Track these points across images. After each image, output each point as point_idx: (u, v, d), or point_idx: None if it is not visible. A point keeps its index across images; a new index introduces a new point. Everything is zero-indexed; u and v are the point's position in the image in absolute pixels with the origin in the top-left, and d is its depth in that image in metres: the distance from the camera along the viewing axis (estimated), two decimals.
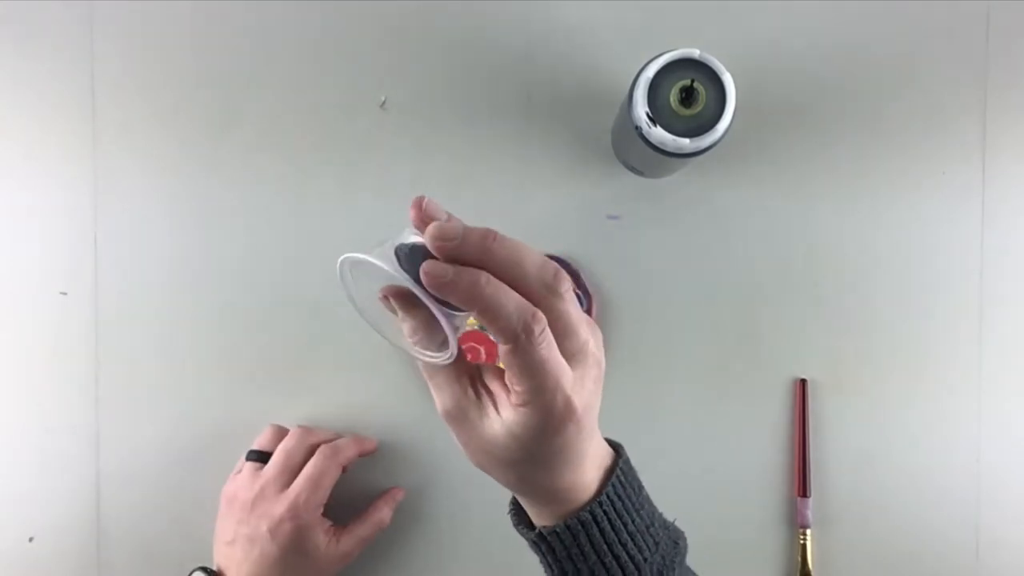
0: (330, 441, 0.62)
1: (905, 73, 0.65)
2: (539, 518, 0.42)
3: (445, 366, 0.38)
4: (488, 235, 0.34)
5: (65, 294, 0.66)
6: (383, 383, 0.66)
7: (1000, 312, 0.65)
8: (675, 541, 0.45)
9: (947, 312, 0.65)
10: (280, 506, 0.57)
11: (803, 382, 0.65)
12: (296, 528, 0.57)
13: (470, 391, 0.39)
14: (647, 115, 0.52)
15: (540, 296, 0.35)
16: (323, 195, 0.65)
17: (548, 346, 0.35)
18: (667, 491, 0.68)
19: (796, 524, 0.65)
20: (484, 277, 0.33)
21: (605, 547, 0.40)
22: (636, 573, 0.41)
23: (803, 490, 0.64)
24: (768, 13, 0.65)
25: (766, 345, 0.65)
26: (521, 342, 0.34)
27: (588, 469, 0.40)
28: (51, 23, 0.65)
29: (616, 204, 0.65)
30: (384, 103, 0.66)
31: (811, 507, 0.65)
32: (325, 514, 0.60)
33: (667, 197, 0.65)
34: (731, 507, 0.65)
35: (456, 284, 0.33)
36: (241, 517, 0.58)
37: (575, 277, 0.64)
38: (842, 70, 0.65)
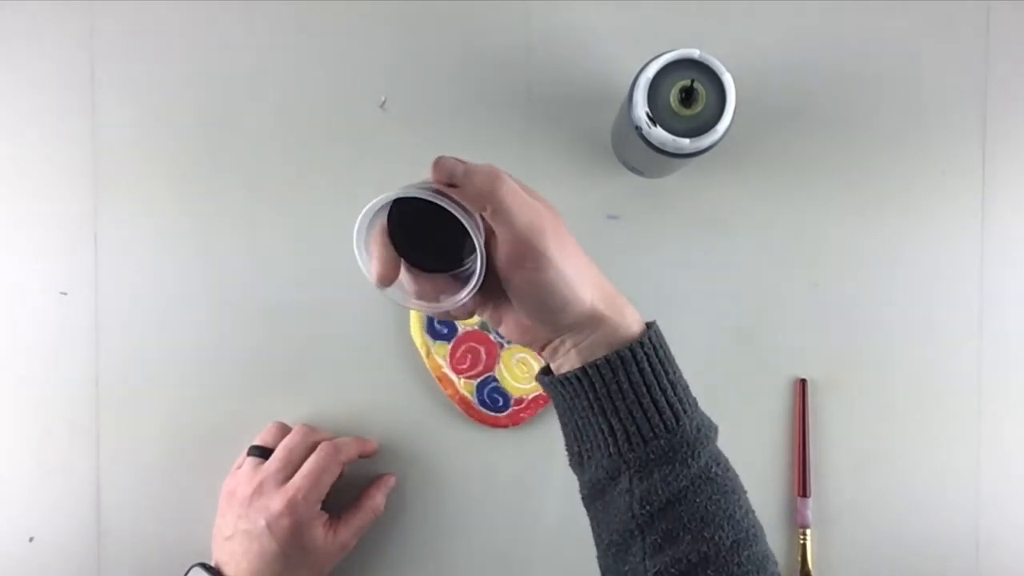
0: (332, 439, 0.62)
1: (905, 73, 0.65)
2: (577, 360, 0.43)
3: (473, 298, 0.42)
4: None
5: (65, 294, 0.66)
6: (383, 384, 0.66)
7: (1000, 312, 0.65)
8: (709, 421, 0.46)
9: (947, 312, 0.65)
10: (278, 501, 0.57)
11: (803, 382, 0.65)
12: (294, 524, 0.57)
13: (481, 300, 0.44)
14: (647, 115, 0.52)
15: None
16: (323, 194, 0.65)
17: (514, 189, 0.43)
18: None
19: (796, 524, 0.65)
20: (459, 163, 0.42)
21: (644, 388, 0.42)
22: (674, 422, 0.42)
23: (803, 490, 0.64)
24: (768, 13, 0.65)
25: (766, 345, 0.65)
26: (496, 190, 0.42)
27: (621, 301, 0.44)
28: (51, 23, 0.65)
29: (616, 204, 0.65)
30: (384, 103, 0.66)
31: (811, 507, 0.65)
32: (322, 509, 0.60)
33: (667, 197, 0.65)
34: None
35: (443, 164, 0.42)
36: (240, 512, 0.58)
37: None
38: (842, 70, 0.65)
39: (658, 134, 0.52)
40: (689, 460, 0.43)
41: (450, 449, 0.66)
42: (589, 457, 0.44)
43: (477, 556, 0.66)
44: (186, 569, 0.59)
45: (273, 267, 0.66)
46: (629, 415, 0.42)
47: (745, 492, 0.46)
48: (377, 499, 0.63)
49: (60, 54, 0.65)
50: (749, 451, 0.65)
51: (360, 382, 0.66)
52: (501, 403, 0.64)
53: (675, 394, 0.43)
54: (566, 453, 0.46)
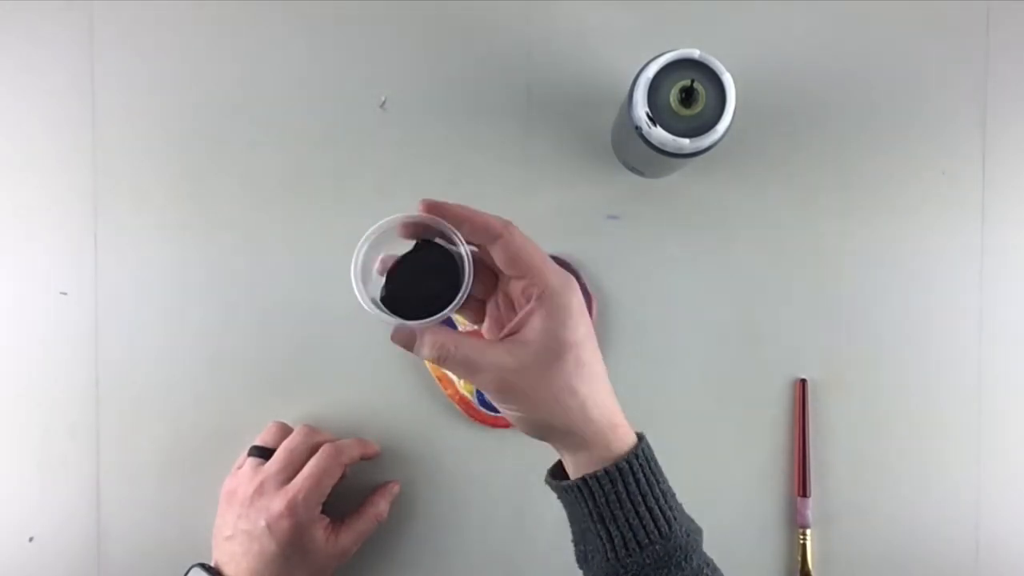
0: (334, 441, 0.62)
1: (905, 73, 0.65)
2: (577, 469, 0.46)
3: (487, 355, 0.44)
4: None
5: (65, 294, 0.66)
6: (383, 384, 0.66)
7: (1000, 312, 0.65)
8: (695, 525, 0.49)
9: (947, 312, 0.65)
10: (279, 502, 0.57)
11: (803, 382, 0.65)
12: (294, 525, 0.57)
13: (503, 343, 0.45)
14: (647, 115, 0.52)
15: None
16: (323, 194, 0.66)
17: (523, 235, 0.45)
18: None
19: (796, 524, 0.65)
20: (459, 208, 0.45)
21: (640, 497, 0.45)
22: (667, 528, 0.45)
23: (803, 490, 0.64)
24: (768, 13, 0.65)
25: (766, 345, 0.65)
26: (504, 233, 0.44)
27: (618, 418, 0.46)
28: (51, 23, 0.65)
29: (616, 204, 0.65)
30: (384, 103, 0.66)
31: (811, 507, 0.65)
32: (324, 512, 0.60)
33: (667, 197, 0.65)
34: (731, 507, 0.65)
35: (446, 205, 0.44)
36: (240, 512, 0.58)
37: (575, 277, 0.64)
38: (842, 70, 0.65)
39: (658, 134, 0.52)
40: (683, 563, 0.45)
41: (450, 449, 0.66)
42: (592, 558, 0.47)
43: (477, 556, 0.66)
44: (186, 569, 0.59)
45: (273, 267, 0.66)
46: (626, 523, 0.45)
47: None
48: (380, 506, 0.63)
49: (60, 54, 0.65)
50: (749, 451, 0.65)
51: (360, 382, 0.66)
52: None
53: (666, 502, 0.46)
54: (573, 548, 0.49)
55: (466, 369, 0.44)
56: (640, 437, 0.48)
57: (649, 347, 0.66)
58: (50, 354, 0.66)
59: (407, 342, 0.45)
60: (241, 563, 0.57)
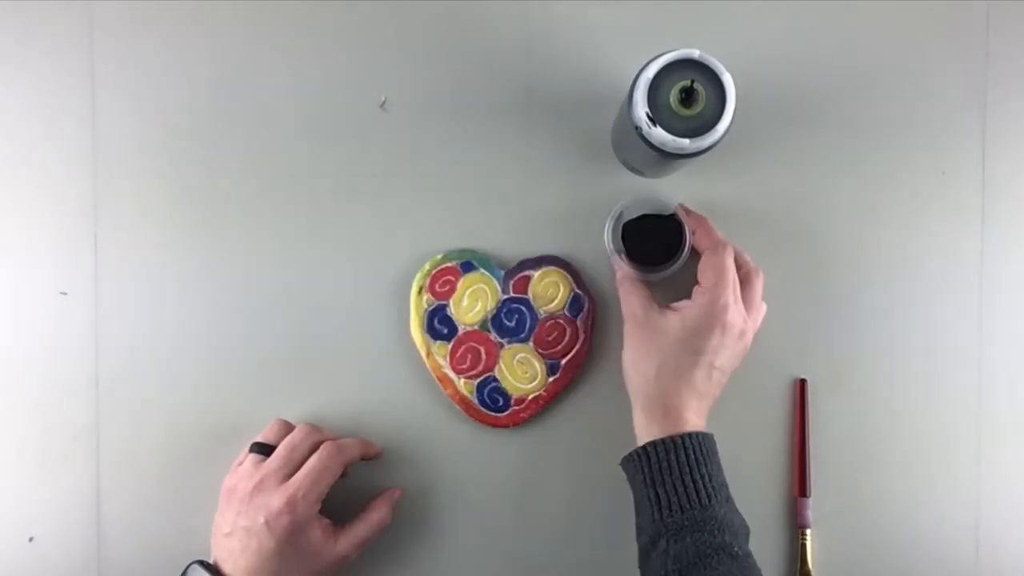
0: (335, 440, 0.62)
1: (905, 73, 0.65)
2: (644, 435, 0.58)
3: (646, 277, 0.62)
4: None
5: (65, 294, 0.66)
6: (383, 384, 0.66)
7: (1000, 311, 0.65)
8: (741, 519, 0.57)
9: (947, 312, 0.65)
10: (278, 499, 0.57)
11: (803, 382, 0.65)
12: (293, 522, 0.57)
13: (658, 306, 0.60)
14: (647, 115, 0.52)
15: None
16: (323, 194, 0.66)
17: (731, 260, 0.59)
18: None
19: (796, 524, 0.65)
20: (706, 221, 0.62)
21: (688, 468, 0.54)
22: (707, 500, 0.54)
23: (803, 490, 0.64)
24: (768, 13, 0.65)
25: (766, 345, 0.65)
26: (719, 248, 0.59)
27: (693, 408, 0.58)
28: (51, 23, 0.65)
29: (616, 204, 0.65)
30: (384, 103, 0.66)
31: (811, 507, 0.65)
32: (324, 514, 0.60)
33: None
34: None
35: (697, 216, 0.63)
36: (240, 508, 0.58)
37: (575, 277, 0.64)
38: (842, 70, 0.65)
39: (658, 134, 0.52)
40: (716, 532, 0.53)
41: (450, 449, 0.66)
42: (643, 530, 0.56)
43: (476, 556, 0.66)
44: (184, 567, 0.59)
45: (273, 266, 0.66)
46: (672, 487, 0.54)
47: None
48: (382, 511, 0.62)
49: (60, 54, 0.65)
50: (749, 451, 0.65)
51: (360, 382, 0.66)
52: (501, 403, 0.64)
53: (711, 482, 0.55)
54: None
55: (627, 302, 0.61)
56: (709, 434, 0.57)
57: None
58: (50, 354, 0.66)
59: (624, 277, 0.62)
60: (239, 560, 0.57)
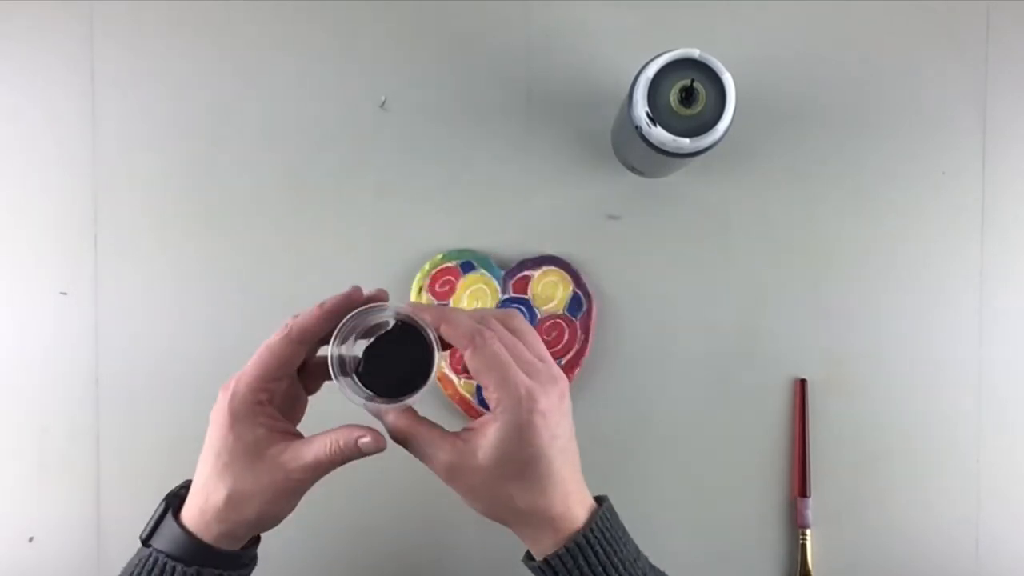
0: None
1: (905, 73, 0.65)
2: (540, 552, 0.48)
3: (431, 434, 0.48)
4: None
5: (65, 294, 0.66)
6: None
7: (1000, 312, 0.65)
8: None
9: (947, 312, 0.65)
10: (221, 393, 0.48)
11: (803, 382, 0.65)
12: (230, 411, 0.47)
13: (457, 440, 0.47)
14: (647, 115, 0.52)
15: (494, 321, 0.48)
16: (323, 194, 0.66)
17: (499, 347, 0.46)
18: (667, 491, 0.68)
19: (796, 524, 0.65)
20: (449, 310, 0.48)
21: (600, 569, 0.46)
22: None
23: (803, 490, 0.64)
24: (768, 13, 0.65)
25: (766, 345, 0.65)
26: (477, 343, 0.46)
27: (574, 498, 0.47)
28: (51, 23, 0.65)
29: (616, 204, 0.65)
30: (384, 103, 0.66)
31: (811, 507, 0.65)
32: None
33: (667, 197, 0.65)
34: (731, 508, 0.65)
35: (427, 310, 0.47)
36: None
37: (575, 277, 0.64)
38: (842, 70, 0.65)
39: (658, 134, 0.52)
40: None
41: None
42: None
43: (476, 556, 0.66)
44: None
45: (273, 267, 0.66)
46: None
47: None
48: (343, 435, 0.47)
49: (60, 54, 0.65)
50: (749, 451, 0.65)
51: None
52: None
53: (627, 570, 0.47)
54: None
55: (417, 455, 0.48)
56: (600, 501, 0.49)
57: (649, 347, 0.66)
58: (50, 354, 0.66)
59: (376, 412, 0.48)
60: (199, 476, 0.49)
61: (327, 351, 0.47)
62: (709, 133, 0.52)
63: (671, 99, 0.52)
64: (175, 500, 0.50)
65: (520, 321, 0.49)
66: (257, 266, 0.66)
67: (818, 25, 0.65)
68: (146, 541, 0.50)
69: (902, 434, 0.65)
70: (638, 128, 0.53)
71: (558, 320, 0.64)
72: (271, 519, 0.48)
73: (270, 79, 0.66)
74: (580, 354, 0.64)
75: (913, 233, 0.65)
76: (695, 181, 0.65)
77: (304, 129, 0.65)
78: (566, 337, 0.64)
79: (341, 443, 0.47)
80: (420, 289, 0.64)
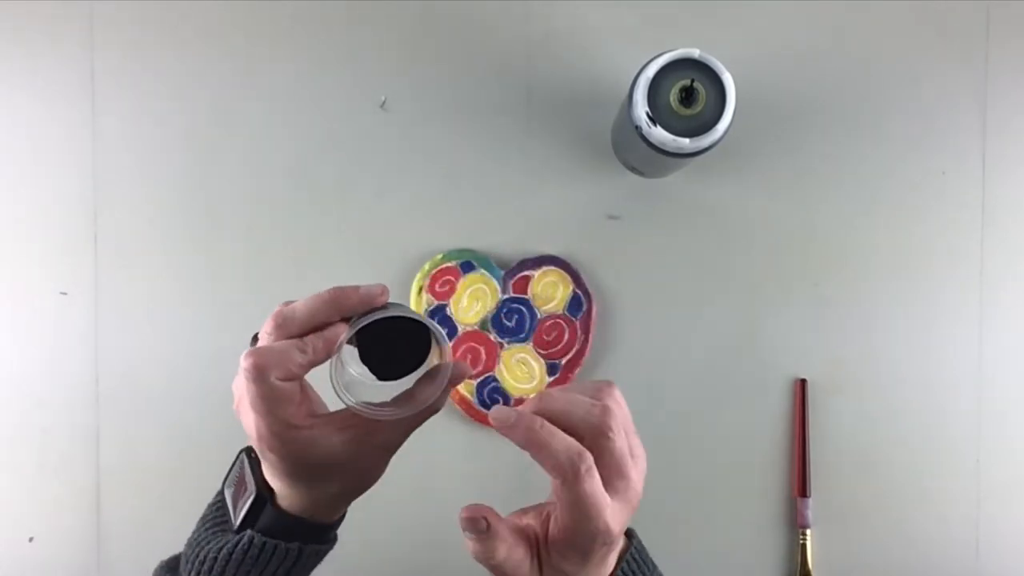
0: None
1: (905, 73, 0.65)
2: None
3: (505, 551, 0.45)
4: (537, 405, 0.41)
5: (65, 294, 0.66)
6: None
7: (1000, 312, 0.65)
8: None
9: (947, 312, 0.65)
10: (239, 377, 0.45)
11: (803, 382, 0.65)
12: (245, 375, 0.44)
13: (527, 554, 0.44)
14: (647, 115, 0.52)
15: (589, 437, 0.40)
16: (323, 194, 0.66)
17: (593, 482, 0.40)
18: (667, 492, 0.68)
19: (796, 524, 0.65)
20: (539, 422, 0.40)
21: None
22: None
23: (803, 490, 0.64)
24: (768, 13, 0.65)
25: (766, 345, 0.65)
26: (568, 479, 0.39)
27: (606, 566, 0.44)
28: (51, 23, 0.65)
29: (616, 204, 0.65)
30: (384, 103, 0.66)
31: (811, 507, 0.65)
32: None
33: (667, 197, 0.65)
34: (731, 507, 0.65)
35: (516, 427, 0.40)
36: None
37: (575, 277, 0.64)
38: (842, 70, 0.65)
39: (658, 134, 0.52)
40: None
41: (450, 449, 0.66)
42: None
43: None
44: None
45: (272, 266, 0.66)
46: None
47: None
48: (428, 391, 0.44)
49: (60, 54, 0.65)
50: (749, 451, 0.65)
51: None
52: (501, 403, 0.64)
53: None
54: None
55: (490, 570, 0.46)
56: (630, 537, 0.47)
57: (649, 347, 0.66)
58: (50, 354, 0.66)
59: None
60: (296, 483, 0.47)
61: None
62: (709, 133, 0.52)
63: (671, 99, 0.52)
64: (265, 490, 0.48)
65: (618, 394, 0.43)
66: (257, 266, 0.66)
67: (818, 25, 0.65)
68: (240, 528, 0.48)
69: (902, 434, 0.65)
70: (638, 128, 0.53)
71: (558, 320, 0.64)
72: (375, 481, 0.50)
73: (270, 79, 0.66)
74: (580, 354, 0.64)
75: (913, 233, 0.65)
76: (695, 181, 0.65)
77: (304, 129, 0.66)
78: (566, 337, 0.64)
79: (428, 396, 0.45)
80: (420, 289, 0.64)
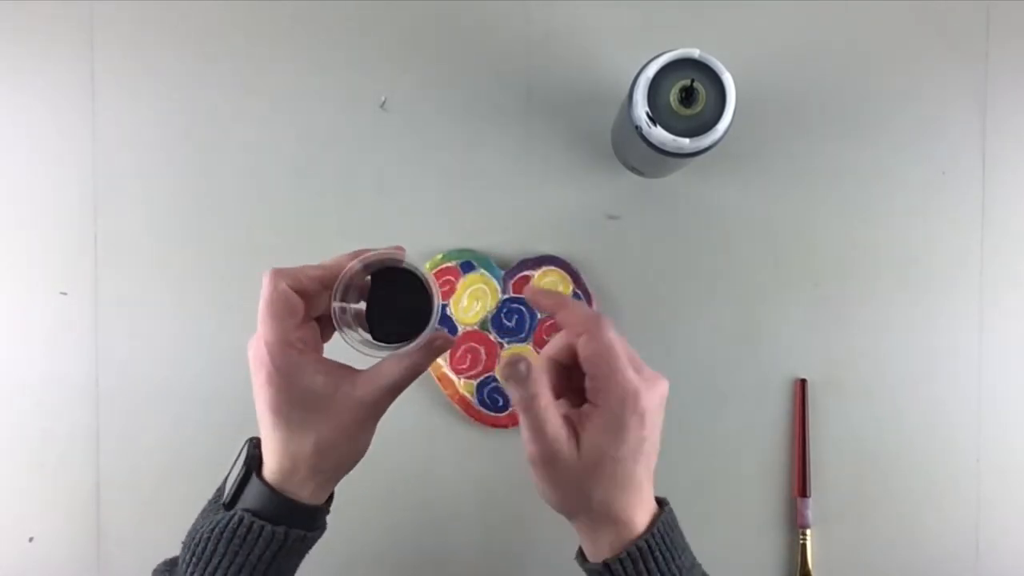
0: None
1: (905, 73, 0.65)
2: (597, 553, 0.46)
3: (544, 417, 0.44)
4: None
5: (65, 294, 0.66)
6: None
7: (1000, 312, 0.65)
8: None
9: (947, 312, 0.65)
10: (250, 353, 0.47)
11: (803, 382, 0.65)
12: (266, 361, 0.46)
13: (561, 430, 0.44)
14: (647, 115, 0.52)
15: (608, 317, 0.46)
16: (323, 194, 0.66)
17: (615, 335, 0.44)
18: (666, 492, 0.68)
19: (796, 524, 0.65)
20: (567, 298, 0.47)
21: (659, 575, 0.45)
22: None
23: (803, 490, 0.64)
24: (768, 13, 0.65)
25: (766, 345, 0.65)
26: (592, 328, 0.44)
27: (641, 505, 0.46)
28: (51, 23, 0.65)
29: (616, 204, 0.65)
30: (384, 103, 0.66)
31: (811, 507, 0.65)
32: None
33: (667, 197, 0.65)
34: (731, 507, 0.65)
35: (548, 294, 0.47)
36: None
37: (575, 277, 0.64)
38: (842, 70, 0.65)
39: (658, 134, 0.52)
40: None
41: (450, 449, 0.66)
42: None
43: (476, 556, 0.66)
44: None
45: (272, 266, 0.66)
46: None
47: None
48: (416, 355, 0.47)
49: (60, 54, 0.65)
50: (749, 451, 0.65)
51: None
52: (501, 403, 0.64)
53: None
54: None
55: (526, 427, 0.44)
56: (662, 504, 0.47)
57: (649, 347, 0.65)
58: (50, 354, 0.66)
59: (513, 374, 0.44)
60: (273, 439, 0.48)
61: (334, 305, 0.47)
62: (709, 133, 0.52)
63: (671, 99, 0.52)
64: (254, 463, 0.49)
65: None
66: (257, 266, 0.65)
67: (818, 25, 0.65)
68: (230, 504, 0.49)
69: (902, 434, 0.65)
70: (638, 128, 0.53)
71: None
72: (357, 455, 0.49)
73: (270, 79, 0.66)
74: None
75: (913, 233, 0.65)
76: (695, 181, 0.65)
77: (304, 129, 0.66)
78: None
79: (414, 356, 0.47)
80: None
